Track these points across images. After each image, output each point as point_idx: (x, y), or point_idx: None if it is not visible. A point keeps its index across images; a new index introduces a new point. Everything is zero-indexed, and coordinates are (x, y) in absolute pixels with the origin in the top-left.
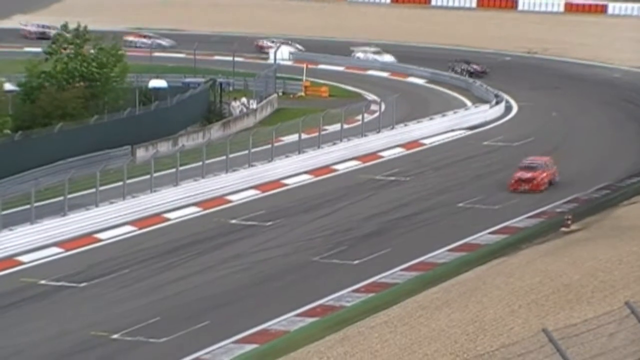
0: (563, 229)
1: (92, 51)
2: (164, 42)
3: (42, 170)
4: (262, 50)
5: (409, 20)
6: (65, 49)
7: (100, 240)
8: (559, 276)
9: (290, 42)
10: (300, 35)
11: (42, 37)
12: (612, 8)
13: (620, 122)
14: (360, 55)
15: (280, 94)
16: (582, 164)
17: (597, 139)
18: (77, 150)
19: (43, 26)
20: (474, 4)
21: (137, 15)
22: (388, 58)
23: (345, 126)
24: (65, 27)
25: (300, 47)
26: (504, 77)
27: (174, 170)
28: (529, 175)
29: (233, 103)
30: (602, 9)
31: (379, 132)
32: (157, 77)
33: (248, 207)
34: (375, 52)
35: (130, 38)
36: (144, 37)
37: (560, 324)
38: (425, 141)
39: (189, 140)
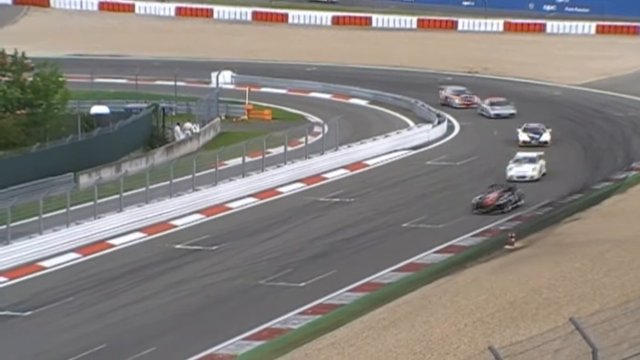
0: (507, 246)
1: (30, 78)
2: None
3: None
4: (447, 102)
5: (350, 41)
6: (3, 76)
7: (45, 268)
8: (504, 294)
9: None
10: (243, 59)
11: None
12: (551, 27)
13: (562, 140)
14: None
15: (223, 117)
16: (525, 182)
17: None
18: (20, 178)
19: None
20: (414, 25)
21: (79, 42)
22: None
23: (289, 149)
24: (2, 54)
25: (233, 73)
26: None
27: (117, 196)
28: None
29: (176, 128)
30: (541, 28)
31: (322, 153)
32: (99, 103)
33: (193, 232)
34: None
35: None
36: None
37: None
38: (369, 162)
39: (132, 166)
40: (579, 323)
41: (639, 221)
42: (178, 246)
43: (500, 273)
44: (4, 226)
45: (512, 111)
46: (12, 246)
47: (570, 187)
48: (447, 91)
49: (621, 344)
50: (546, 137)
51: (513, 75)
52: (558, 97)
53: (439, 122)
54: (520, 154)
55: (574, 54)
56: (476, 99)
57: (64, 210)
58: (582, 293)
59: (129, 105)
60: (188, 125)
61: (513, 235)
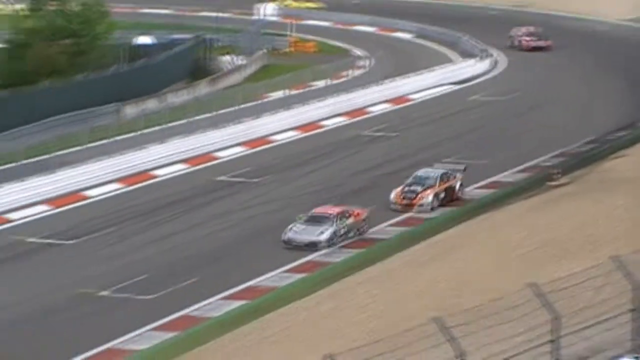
0: (550, 183)
1: (76, 8)
2: None
3: (30, 128)
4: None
5: None
6: (49, 5)
7: (88, 197)
8: (546, 230)
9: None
10: None
11: None
12: None
13: (609, 75)
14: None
15: (268, 50)
16: (570, 118)
17: (585, 93)
18: (65, 107)
19: None
20: None
21: None
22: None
23: (333, 82)
24: None
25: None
26: (491, 31)
27: (161, 127)
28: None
29: (223, 58)
30: None
31: (366, 87)
32: (143, 34)
33: (235, 164)
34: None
35: None
36: None
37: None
38: (413, 96)
39: (176, 97)
40: (621, 260)
41: None
42: (221, 178)
43: (542, 210)
44: (49, 155)
45: None
46: (56, 175)
47: (615, 124)
48: (518, 32)
49: None
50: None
51: (561, 10)
52: (606, 32)
53: (484, 57)
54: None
55: None
56: (546, 42)
57: (108, 140)
58: (625, 230)
59: (174, 36)
60: (227, 58)
61: (557, 171)
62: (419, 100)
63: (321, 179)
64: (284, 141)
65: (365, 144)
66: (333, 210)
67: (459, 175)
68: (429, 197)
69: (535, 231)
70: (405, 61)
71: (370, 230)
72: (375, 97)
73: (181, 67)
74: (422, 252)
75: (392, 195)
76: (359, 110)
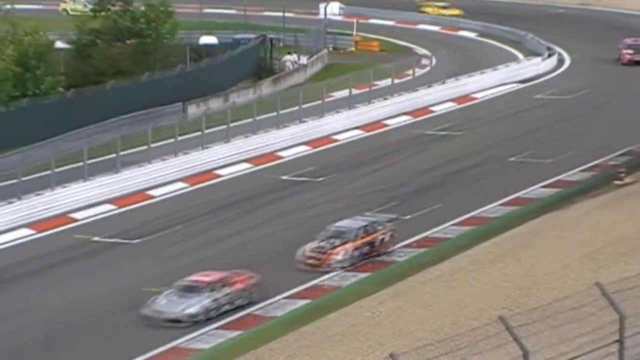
0: (616, 182)
1: (142, 8)
2: None
3: (95, 128)
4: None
5: None
6: (113, 5)
7: (153, 197)
8: (613, 229)
9: None
10: None
11: None
12: None
13: None
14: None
15: (331, 49)
16: (636, 117)
17: None
18: (129, 107)
19: None
20: None
21: None
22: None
23: (396, 81)
24: None
25: (341, 4)
26: (556, 30)
27: (225, 126)
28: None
29: (286, 57)
30: None
31: (430, 86)
32: (207, 34)
33: (299, 163)
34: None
35: None
36: None
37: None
38: (477, 95)
39: (240, 97)
40: None
41: None
42: (284, 177)
43: (609, 208)
44: (114, 155)
45: None
46: (121, 175)
47: None
48: (624, 44)
49: None
50: None
51: (626, 8)
52: None
53: (549, 56)
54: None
55: None
56: None
57: (172, 140)
58: None
59: (237, 36)
60: (289, 57)
61: (623, 170)
62: (483, 99)
63: (384, 178)
64: (347, 140)
65: (428, 143)
66: (209, 277)
67: (388, 226)
68: (340, 254)
69: (602, 230)
70: (469, 60)
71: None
72: (439, 96)
73: (245, 67)
74: (488, 250)
75: (299, 252)
76: (423, 109)
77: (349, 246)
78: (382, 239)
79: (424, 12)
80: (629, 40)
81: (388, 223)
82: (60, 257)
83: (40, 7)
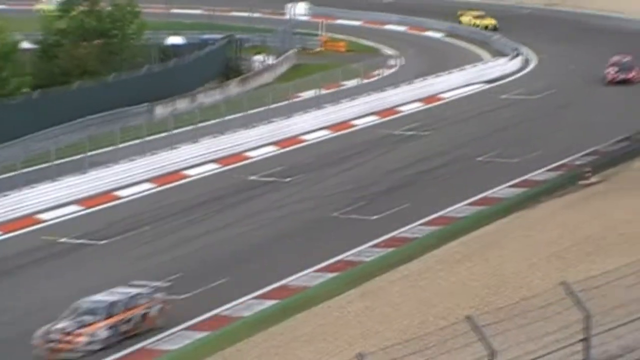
0: (582, 181)
1: (108, 8)
2: None
3: (62, 128)
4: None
5: None
6: (80, 5)
7: (120, 197)
8: (579, 229)
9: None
10: None
11: None
12: None
13: None
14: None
15: (299, 49)
16: (601, 116)
17: (616, 91)
18: (96, 107)
19: None
20: None
21: None
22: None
23: (364, 81)
24: None
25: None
26: (522, 30)
27: (192, 127)
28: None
29: (255, 57)
30: None
31: (397, 86)
32: (174, 34)
33: (267, 164)
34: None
35: None
36: None
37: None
38: (444, 95)
39: (207, 97)
40: None
41: None
42: (252, 177)
43: (575, 208)
44: (81, 155)
45: None
46: (89, 175)
47: None
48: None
49: None
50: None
51: (591, 8)
52: (636, 30)
53: (516, 56)
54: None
55: None
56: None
57: (139, 141)
58: None
59: (205, 36)
60: (258, 57)
61: (589, 170)
62: (451, 99)
63: (353, 178)
64: (315, 140)
65: (396, 143)
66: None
67: (156, 298)
68: (87, 335)
69: (568, 229)
70: (436, 60)
71: None
72: (406, 96)
73: (212, 67)
74: (456, 250)
75: (39, 334)
76: (391, 110)
77: (100, 325)
78: (146, 314)
79: (460, 22)
80: (614, 58)
81: (156, 294)
82: (28, 258)
83: (6, 7)
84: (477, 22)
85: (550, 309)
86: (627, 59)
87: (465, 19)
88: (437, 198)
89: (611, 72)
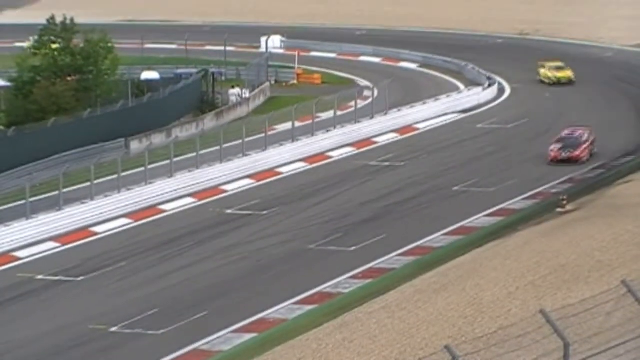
0: (559, 209)
1: (81, 45)
2: None
3: (37, 165)
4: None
5: (400, 4)
6: (53, 42)
7: (97, 233)
8: (556, 257)
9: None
10: (292, 23)
11: None
12: None
13: (614, 101)
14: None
15: (273, 82)
16: None
17: (591, 119)
18: (71, 144)
19: None
20: None
21: (127, 7)
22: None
23: (339, 113)
24: (52, 20)
25: (283, 38)
26: (496, 59)
27: (168, 161)
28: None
29: (231, 90)
30: None
31: (372, 117)
32: (149, 69)
33: (243, 197)
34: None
35: None
36: None
37: (558, 305)
38: (419, 125)
39: (183, 131)
40: (631, 285)
41: None
42: (229, 211)
43: (551, 236)
44: (56, 192)
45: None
46: (64, 212)
47: (622, 150)
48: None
49: None
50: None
51: (565, 37)
52: (610, 57)
53: (490, 85)
54: None
55: (627, 14)
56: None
57: (115, 176)
58: (634, 255)
59: (179, 71)
60: (233, 91)
61: (565, 197)
62: (426, 129)
63: (330, 209)
64: (291, 173)
65: (372, 174)
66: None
67: None
68: None
69: (546, 257)
70: (411, 91)
71: None
72: (382, 127)
73: (187, 101)
74: (433, 280)
75: None
76: (366, 141)
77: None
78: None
79: (538, 73)
80: (564, 131)
81: None
82: (4, 296)
83: None
84: (556, 74)
85: (528, 337)
86: (578, 132)
87: (542, 71)
88: (414, 228)
89: (554, 149)
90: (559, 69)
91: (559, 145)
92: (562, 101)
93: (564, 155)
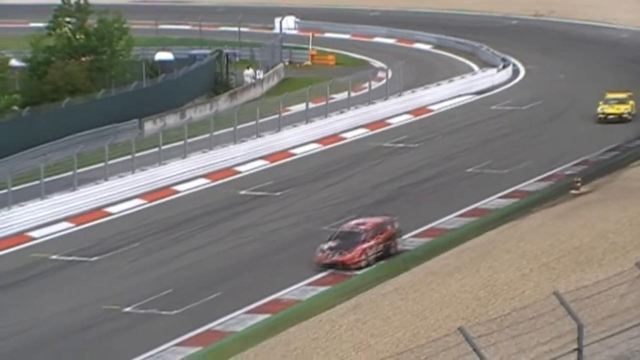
0: (573, 191)
1: (95, 25)
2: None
3: (51, 146)
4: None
5: None
6: (67, 22)
7: (111, 214)
8: (570, 239)
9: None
10: (306, 4)
11: None
12: None
13: (628, 83)
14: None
15: (287, 63)
16: (591, 126)
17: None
18: (85, 124)
19: None
20: None
21: None
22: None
23: (353, 94)
24: (66, 0)
25: (297, 19)
26: (510, 41)
27: (182, 142)
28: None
29: (245, 71)
30: None
31: (386, 99)
32: (163, 50)
33: (257, 178)
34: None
35: None
36: None
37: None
38: (433, 107)
39: (197, 112)
40: None
41: None
42: (242, 192)
43: (565, 218)
44: (71, 172)
45: None
46: (78, 192)
47: (637, 131)
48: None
49: None
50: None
51: (579, 19)
52: (625, 40)
53: (504, 67)
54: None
55: None
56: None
57: (129, 157)
58: None
59: (193, 52)
60: (248, 72)
61: (579, 179)
62: (440, 110)
63: (343, 191)
64: (305, 154)
65: (386, 156)
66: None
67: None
68: None
69: (560, 239)
70: (425, 72)
71: None
72: (396, 109)
73: (201, 82)
74: (447, 262)
75: None
76: (380, 122)
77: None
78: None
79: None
80: (348, 224)
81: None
82: (19, 276)
83: None
84: (613, 110)
85: (542, 319)
86: (361, 227)
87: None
88: (428, 210)
89: (324, 248)
90: (621, 102)
91: (333, 244)
92: (577, 83)
93: (332, 258)
